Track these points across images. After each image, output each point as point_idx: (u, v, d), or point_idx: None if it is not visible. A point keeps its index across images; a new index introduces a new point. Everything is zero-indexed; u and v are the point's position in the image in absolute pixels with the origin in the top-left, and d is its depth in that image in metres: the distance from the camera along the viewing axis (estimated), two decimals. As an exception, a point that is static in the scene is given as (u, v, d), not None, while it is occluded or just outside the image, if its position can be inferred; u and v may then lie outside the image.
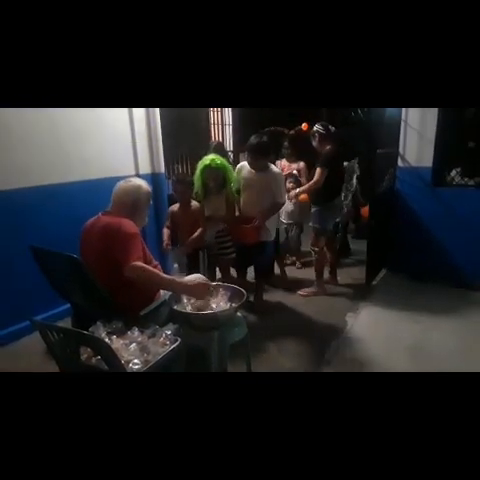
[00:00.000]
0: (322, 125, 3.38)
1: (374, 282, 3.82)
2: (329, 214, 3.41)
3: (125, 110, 3.46)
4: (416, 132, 3.77)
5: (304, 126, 3.63)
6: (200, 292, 1.87)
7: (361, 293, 3.54)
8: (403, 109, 3.82)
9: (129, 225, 1.89)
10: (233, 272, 3.34)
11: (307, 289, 3.59)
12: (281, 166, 4.14)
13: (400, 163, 3.96)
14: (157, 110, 3.68)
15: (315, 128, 3.38)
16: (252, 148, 2.90)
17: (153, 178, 3.79)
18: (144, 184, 2.07)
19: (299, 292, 3.58)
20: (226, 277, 3.11)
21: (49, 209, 2.90)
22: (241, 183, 3.03)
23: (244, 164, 3.08)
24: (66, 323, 2.46)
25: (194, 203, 2.97)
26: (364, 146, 4.80)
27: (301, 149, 4.14)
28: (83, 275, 1.83)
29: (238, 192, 3.08)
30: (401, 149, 3.92)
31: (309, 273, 3.79)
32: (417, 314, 3.08)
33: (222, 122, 4.95)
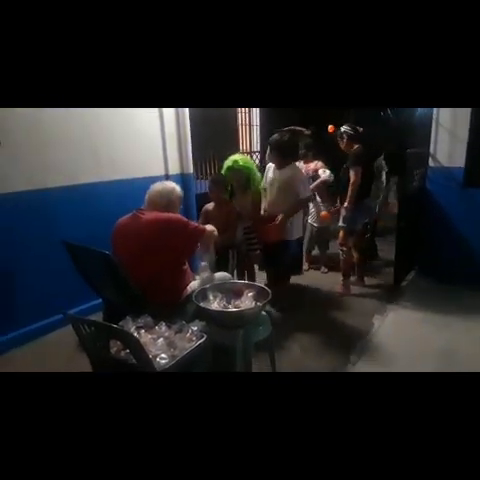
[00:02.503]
0: (349, 126, 3.37)
1: (403, 284, 3.76)
2: (358, 214, 3.39)
3: (156, 112, 3.55)
4: (447, 132, 3.68)
5: (330, 128, 3.60)
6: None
7: (389, 294, 3.49)
8: (434, 109, 3.74)
9: (177, 214, 2.14)
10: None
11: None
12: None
13: (431, 163, 3.88)
14: (186, 112, 3.76)
15: (343, 129, 3.36)
16: (273, 145, 2.97)
17: (182, 178, 3.88)
18: (177, 188, 2.22)
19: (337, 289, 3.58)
20: (251, 273, 3.16)
21: (81, 208, 3.02)
22: (267, 182, 3.08)
23: (270, 164, 3.11)
24: (98, 317, 2.55)
25: (228, 202, 3.00)
26: (393, 145, 4.74)
27: (319, 149, 4.13)
28: (115, 271, 1.91)
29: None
30: (432, 149, 3.84)
31: (334, 279, 3.77)
32: (447, 317, 3.01)
33: (250, 123, 4.99)
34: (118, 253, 2.06)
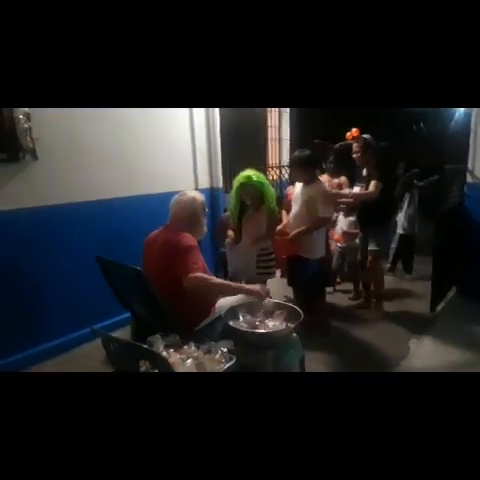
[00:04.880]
0: (370, 136, 3.26)
1: (439, 307, 3.57)
2: (388, 234, 3.27)
3: (187, 128, 3.58)
4: (488, 146, 3.53)
5: (355, 132, 3.45)
6: (258, 292, 1.96)
7: (425, 319, 3.32)
8: (472, 122, 3.60)
9: (187, 238, 1.97)
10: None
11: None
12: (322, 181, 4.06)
13: (469, 179, 3.72)
14: (217, 128, 3.78)
15: (363, 137, 3.25)
16: (293, 161, 2.94)
17: (211, 192, 3.88)
18: (198, 195, 2.16)
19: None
20: None
21: (115, 221, 3.07)
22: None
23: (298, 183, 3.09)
24: (126, 331, 2.56)
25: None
26: (427, 161, 4.60)
27: (345, 164, 4.02)
28: (146, 288, 1.89)
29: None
30: (470, 164, 3.70)
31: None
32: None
33: (280, 137, 4.97)
34: (147, 268, 2.03)
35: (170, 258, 1.92)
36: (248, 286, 2.04)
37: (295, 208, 2.95)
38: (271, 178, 4.86)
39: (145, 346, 1.51)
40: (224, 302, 2.18)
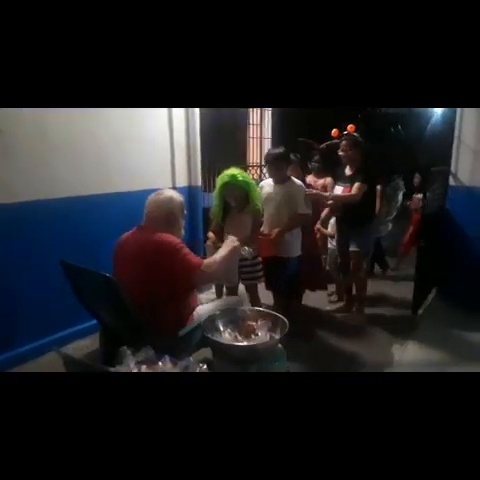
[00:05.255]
0: (357, 133, 3.17)
1: (421, 309, 3.52)
2: (371, 235, 3.19)
3: (165, 121, 3.39)
4: (471, 149, 3.50)
5: (334, 132, 3.33)
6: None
7: (407, 322, 3.26)
8: (457, 124, 3.56)
9: (169, 237, 1.82)
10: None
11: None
12: (307, 181, 3.96)
13: (452, 182, 3.69)
14: (197, 122, 3.61)
15: (353, 134, 3.14)
16: (269, 158, 2.83)
17: (189, 191, 3.71)
18: (175, 194, 1.98)
19: (327, 308, 3.47)
20: (255, 302, 2.78)
21: (85, 221, 2.84)
22: (263, 199, 2.84)
23: (266, 181, 2.98)
24: (94, 338, 2.38)
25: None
26: (405, 163, 4.58)
27: (330, 164, 3.92)
28: (116, 295, 1.71)
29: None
30: (453, 167, 3.66)
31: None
32: (473, 350, 2.77)
33: (261, 136, 4.83)
34: (119, 272, 1.87)
35: (151, 261, 1.76)
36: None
37: (270, 209, 2.83)
38: (251, 177, 4.72)
39: (111, 370, 1.33)
40: (202, 310, 2.02)
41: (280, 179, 2.84)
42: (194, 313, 1.99)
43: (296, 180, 2.90)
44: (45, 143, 2.58)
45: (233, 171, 2.58)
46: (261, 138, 4.79)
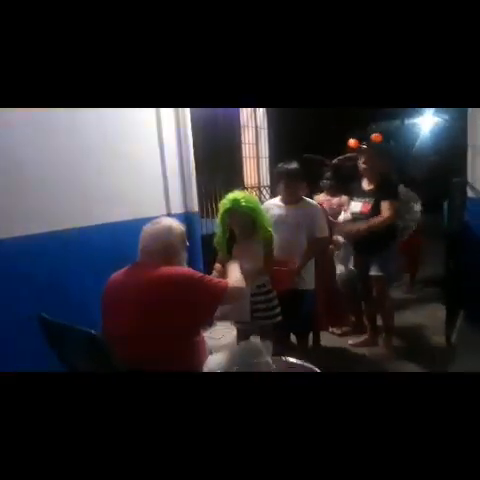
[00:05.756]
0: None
1: (454, 337, 3.10)
2: (394, 257, 2.83)
3: (155, 142, 3.07)
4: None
5: (352, 143, 2.99)
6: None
7: (443, 353, 2.85)
8: (469, 133, 3.31)
9: (180, 268, 1.63)
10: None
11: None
12: (318, 201, 3.63)
13: (470, 193, 3.40)
14: (190, 143, 3.30)
15: (375, 144, 2.83)
16: (284, 175, 2.49)
17: (186, 217, 3.36)
18: (175, 223, 1.68)
19: (349, 342, 3.07)
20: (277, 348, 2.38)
21: (63, 259, 2.42)
22: (272, 223, 2.45)
23: (271, 202, 2.65)
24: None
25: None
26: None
27: (344, 181, 3.60)
28: (102, 356, 1.33)
29: None
30: (470, 177, 3.38)
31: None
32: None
33: (257, 155, 4.54)
34: (111, 323, 1.54)
35: (161, 301, 1.48)
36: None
37: (283, 233, 2.45)
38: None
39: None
40: (213, 363, 1.64)
41: (294, 199, 2.52)
42: (203, 367, 1.61)
43: (310, 200, 2.60)
44: (13, 168, 2.18)
45: (235, 195, 2.17)
46: (257, 157, 4.50)
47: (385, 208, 2.63)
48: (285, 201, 2.54)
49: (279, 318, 2.29)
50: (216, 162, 4.10)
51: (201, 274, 1.61)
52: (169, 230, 1.62)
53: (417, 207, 3.49)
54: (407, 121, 7.23)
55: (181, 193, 3.30)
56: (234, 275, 1.76)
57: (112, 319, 1.55)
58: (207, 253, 3.44)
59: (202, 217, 3.74)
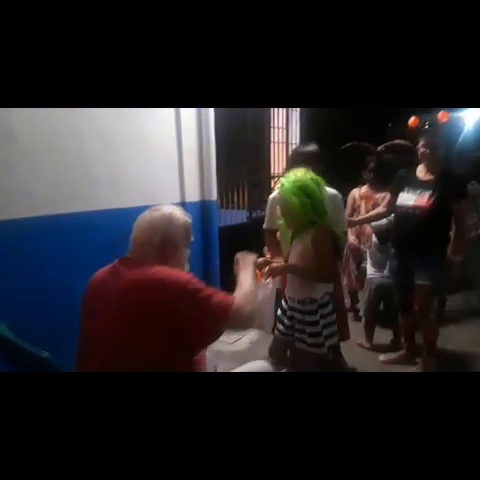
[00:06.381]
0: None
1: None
2: (443, 263, 2.39)
3: (172, 120, 2.71)
4: None
5: (413, 122, 2.54)
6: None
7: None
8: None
9: (176, 272, 1.22)
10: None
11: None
12: (360, 195, 3.21)
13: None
14: (211, 122, 2.91)
15: (434, 121, 2.42)
16: (300, 157, 2.08)
17: (202, 207, 3.01)
18: (179, 213, 1.33)
19: (380, 358, 2.69)
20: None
21: (67, 245, 2.17)
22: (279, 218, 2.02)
23: (276, 195, 2.14)
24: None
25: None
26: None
27: (388, 173, 3.15)
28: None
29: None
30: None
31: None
32: None
33: (287, 141, 4.13)
34: (86, 328, 1.26)
35: (144, 314, 1.12)
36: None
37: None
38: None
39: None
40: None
41: None
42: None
43: (329, 188, 2.04)
44: (14, 147, 1.92)
45: (289, 176, 1.75)
46: (287, 143, 4.08)
47: (458, 210, 2.23)
48: None
49: (337, 338, 1.91)
50: (241, 146, 3.72)
51: (200, 286, 1.20)
52: (170, 219, 1.28)
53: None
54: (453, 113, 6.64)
55: (198, 179, 2.94)
56: (243, 291, 1.34)
57: (89, 326, 1.25)
58: (224, 247, 3.10)
59: (222, 207, 3.39)
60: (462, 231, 2.36)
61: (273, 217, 2.17)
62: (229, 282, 2.90)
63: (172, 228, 1.28)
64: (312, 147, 2.20)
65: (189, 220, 1.35)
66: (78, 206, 2.23)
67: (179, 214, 1.32)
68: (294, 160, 2.18)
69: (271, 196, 2.29)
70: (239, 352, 2.87)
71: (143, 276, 1.16)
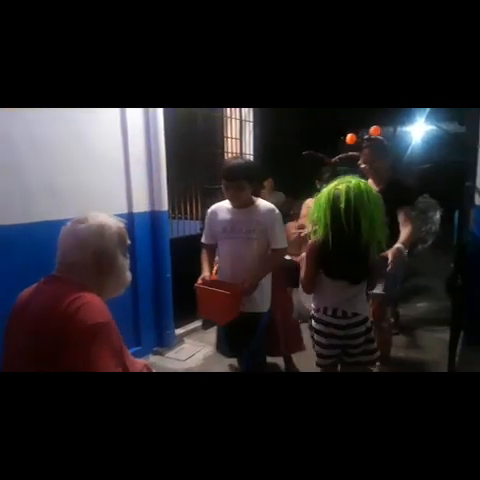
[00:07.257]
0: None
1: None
2: (401, 273, 2.39)
3: (117, 123, 2.55)
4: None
5: (350, 139, 2.58)
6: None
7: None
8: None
9: (89, 309, 1.05)
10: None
11: None
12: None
13: (478, 201, 3.02)
14: (161, 127, 2.79)
15: (369, 136, 2.45)
16: (229, 170, 2.02)
17: (152, 217, 2.86)
18: (109, 221, 1.19)
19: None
20: None
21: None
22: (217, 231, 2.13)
23: (218, 206, 2.17)
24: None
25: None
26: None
27: None
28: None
29: None
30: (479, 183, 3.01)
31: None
32: None
33: (241, 151, 4.06)
34: (6, 348, 1.13)
35: (53, 345, 1.01)
36: None
37: (232, 243, 2.07)
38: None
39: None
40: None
41: (243, 202, 2.04)
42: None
43: (264, 202, 2.10)
44: None
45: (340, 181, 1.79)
46: (241, 154, 4.02)
47: (403, 217, 2.21)
48: (237, 204, 2.07)
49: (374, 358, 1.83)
50: (193, 155, 3.60)
51: (97, 336, 1.02)
52: (99, 231, 1.14)
53: (436, 217, 3.08)
54: (400, 128, 6.92)
55: (147, 187, 2.79)
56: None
57: (9, 344, 1.13)
58: (176, 259, 2.95)
59: (173, 218, 3.24)
60: (410, 232, 2.29)
61: (212, 231, 2.15)
62: (181, 296, 2.75)
63: (104, 240, 1.15)
64: (240, 160, 2.21)
65: (121, 224, 1.22)
66: (9, 218, 2.03)
67: (109, 222, 1.18)
68: (223, 175, 2.07)
69: (210, 210, 2.21)
70: (192, 369, 2.71)
71: (61, 299, 1.04)
